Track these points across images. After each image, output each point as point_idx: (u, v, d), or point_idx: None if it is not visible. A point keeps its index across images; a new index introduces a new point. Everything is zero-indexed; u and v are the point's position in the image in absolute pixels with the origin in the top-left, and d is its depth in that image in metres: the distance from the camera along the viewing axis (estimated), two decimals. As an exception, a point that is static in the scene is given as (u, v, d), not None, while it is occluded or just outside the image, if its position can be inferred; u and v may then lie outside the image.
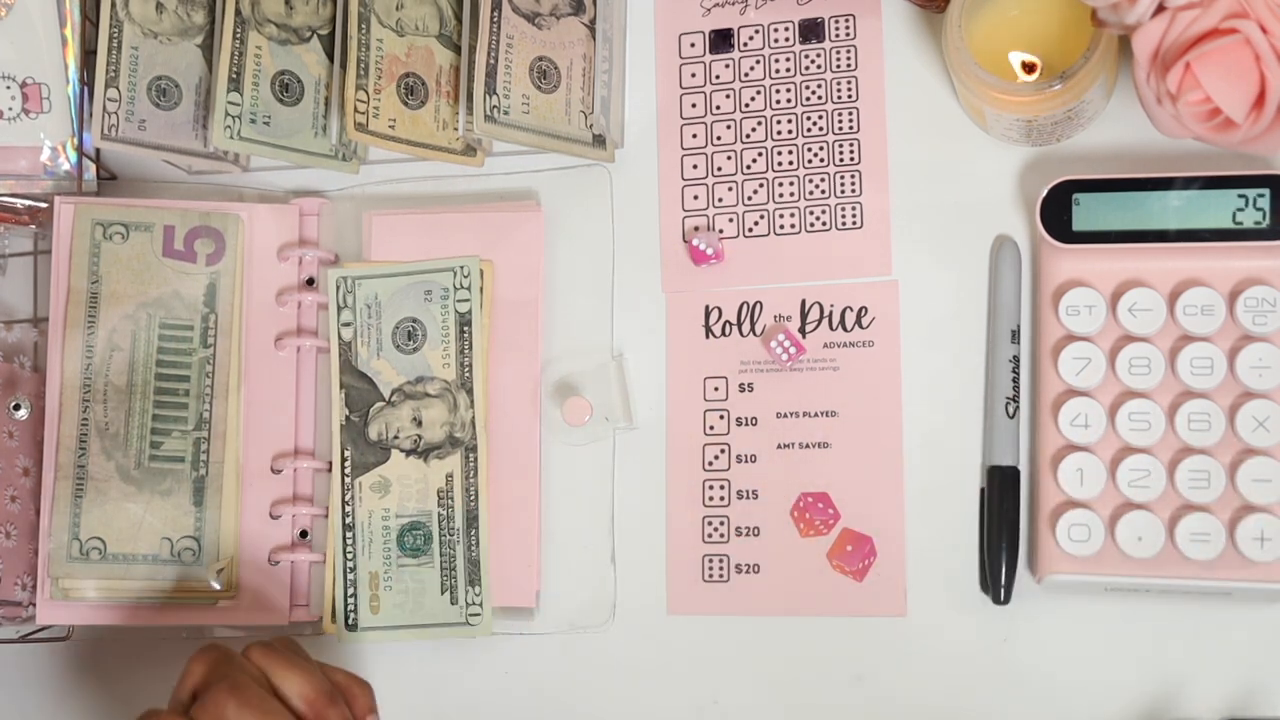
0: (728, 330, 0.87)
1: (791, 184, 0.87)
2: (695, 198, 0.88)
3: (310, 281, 0.91)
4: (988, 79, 0.77)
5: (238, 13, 0.88)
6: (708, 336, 0.87)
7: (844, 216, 0.86)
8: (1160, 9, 0.68)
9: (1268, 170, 0.76)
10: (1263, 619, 0.78)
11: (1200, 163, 0.80)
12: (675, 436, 0.87)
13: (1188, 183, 0.76)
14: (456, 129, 0.89)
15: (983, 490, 0.82)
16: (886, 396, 0.84)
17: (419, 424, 0.87)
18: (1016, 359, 0.81)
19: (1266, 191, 0.75)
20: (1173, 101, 0.69)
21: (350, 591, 0.86)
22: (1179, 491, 0.76)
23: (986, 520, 0.81)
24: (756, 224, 0.87)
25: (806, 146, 0.87)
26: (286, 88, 0.89)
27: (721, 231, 0.88)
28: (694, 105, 0.89)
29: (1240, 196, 0.75)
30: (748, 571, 0.85)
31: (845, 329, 0.85)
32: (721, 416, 0.87)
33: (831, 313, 0.85)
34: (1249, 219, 0.75)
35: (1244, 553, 0.75)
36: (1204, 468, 0.76)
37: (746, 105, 0.88)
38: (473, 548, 0.86)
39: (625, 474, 0.88)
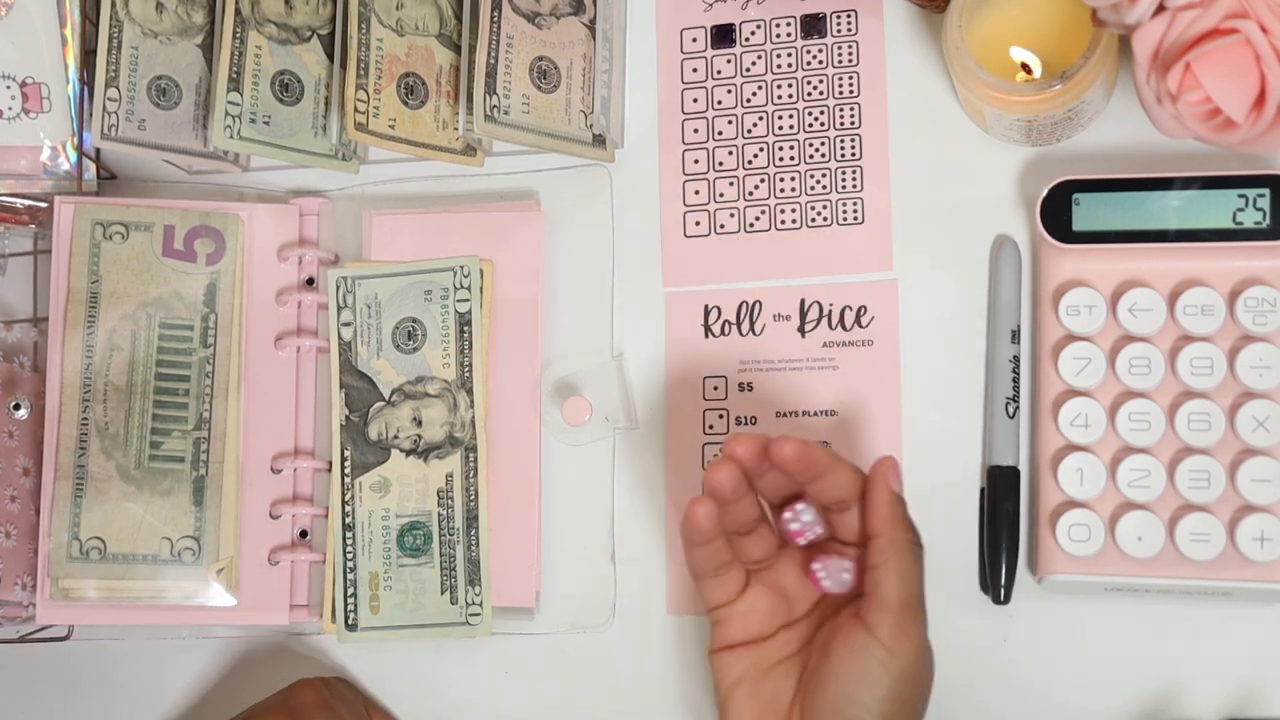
0: (727, 330, 0.87)
1: (793, 179, 0.87)
2: (696, 192, 0.88)
3: (310, 281, 0.91)
4: (988, 79, 0.77)
5: (238, 12, 0.87)
6: (707, 336, 0.87)
7: (845, 212, 0.86)
8: (1160, 9, 0.68)
9: (1268, 170, 0.75)
10: (1263, 619, 0.78)
11: (1200, 163, 0.80)
12: (675, 436, 0.87)
13: (1188, 183, 0.76)
14: (456, 129, 0.89)
15: (983, 490, 0.82)
16: (886, 396, 0.84)
17: (419, 424, 0.87)
18: (1016, 359, 0.81)
19: (1266, 191, 0.75)
20: (1173, 101, 0.69)
21: (350, 591, 0.86)
22: (1179, 491, 0.76)
23: (986, 520, 0.81)
24: (758, 219, 0.87)
25: (808, 142, 0.87)
26: (286, 87, 0.89)
27: (723, 226, 0.88)
28: (695, 100, 0.89)
29: (1240, 196, 0.75)
30: (748, 571, 0.85)
31: (845, 328, 0.85)
32: (721, 416, 0.87)
33: (831, 312, 0.85)
34: (1249, 219, 0.75)
35: (1244, 553, 0.75)
36: (1204, 468, 0.76)
37: (748, 100, 0.88)
38: (473, 548, 0.86)
39: (625, 474, 0.88)
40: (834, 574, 0.73)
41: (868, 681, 0.69)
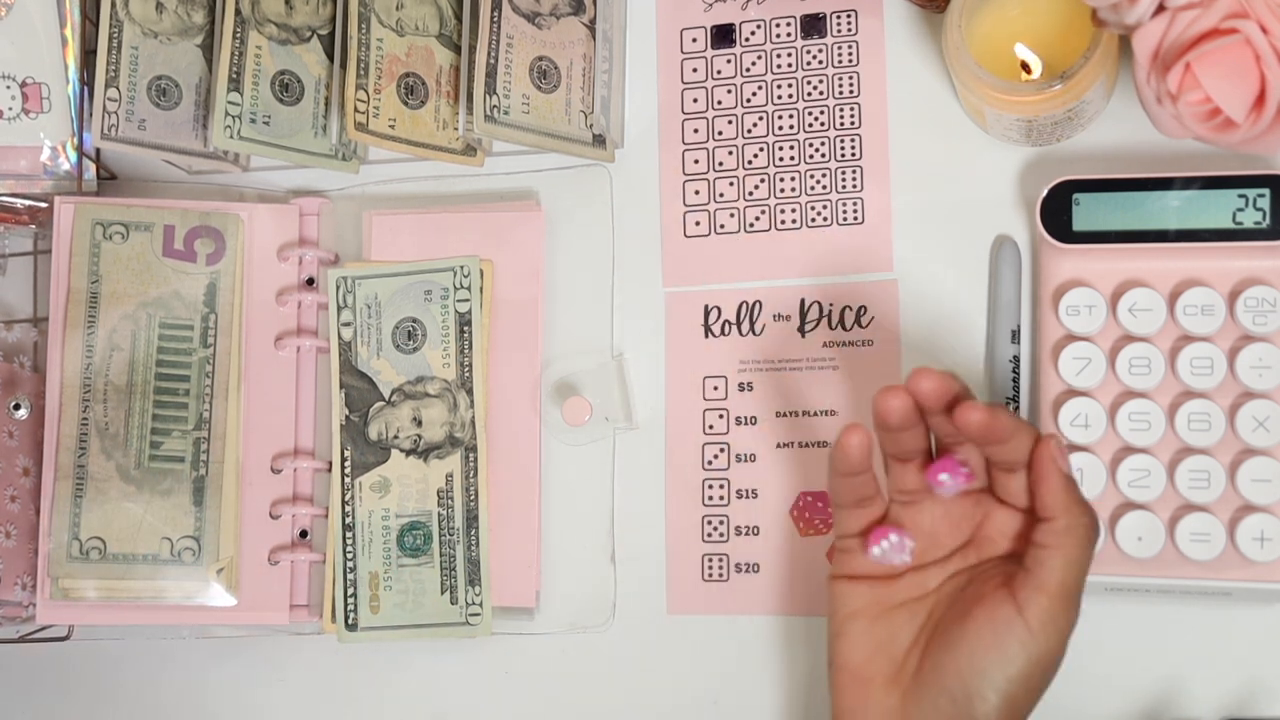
0: (727, 330, 0.87)
1: (793, 179, 0.87)
2: (696, 192, 0.88)
3: (310, 281, 0.91)
4: (988, 79, 0.77)
5: (238, 12, 0.87)
6: (707, 336, 0.87)
7: (845, 212, 0.86)
8: (1160, 9, 0.68)
9: (1268, 170, 0.75)
10: (1263, 619, 0.78)
11: (1200, 163, 0.80)
12: (675, 436, 0.87)
13: (1188, 183, 0.76)
14: (456, 129, 0.89)
15: (983, 490, 0.82)
16: (886, 396, 0.84)
17: (419, 424, 0.87)
18: (1016, 359, 0.81)
19: (1266, 191, 0.75)
20: (1173, 101, 0.69)
21: (350, 591, 0.86)
22: (1179, 491, 0.76)
23: (986, 520, 0.81)
24: (758, 219, 0.87)
25: (808, 142, 0.87)
26: (286, 87, 0.89)
27: (723, 226, 0.88)
28: (695, 100, 0.89)
29: (1240, 196, 0.75)
30: (747, 571, 0.85)
31: (845, 328, 0.85)
32: (721, 416, 0.87)
33: (831, 312, 0.85)
34: (1249, 219, 0.75)
35: (1244, 553, 0.75)
36: (1204, 468, 0.76)
37: (748, 100, 0.88)
38: (473, 548, 0.86)
39: (625, 474, 0.88)
40: (895, 551, 0.71)
41: (1003, 659, 0.67)
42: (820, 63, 0.87)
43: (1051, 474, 0.68)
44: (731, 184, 0.88)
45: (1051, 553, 0.67)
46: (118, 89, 0.88)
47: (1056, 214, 0.77)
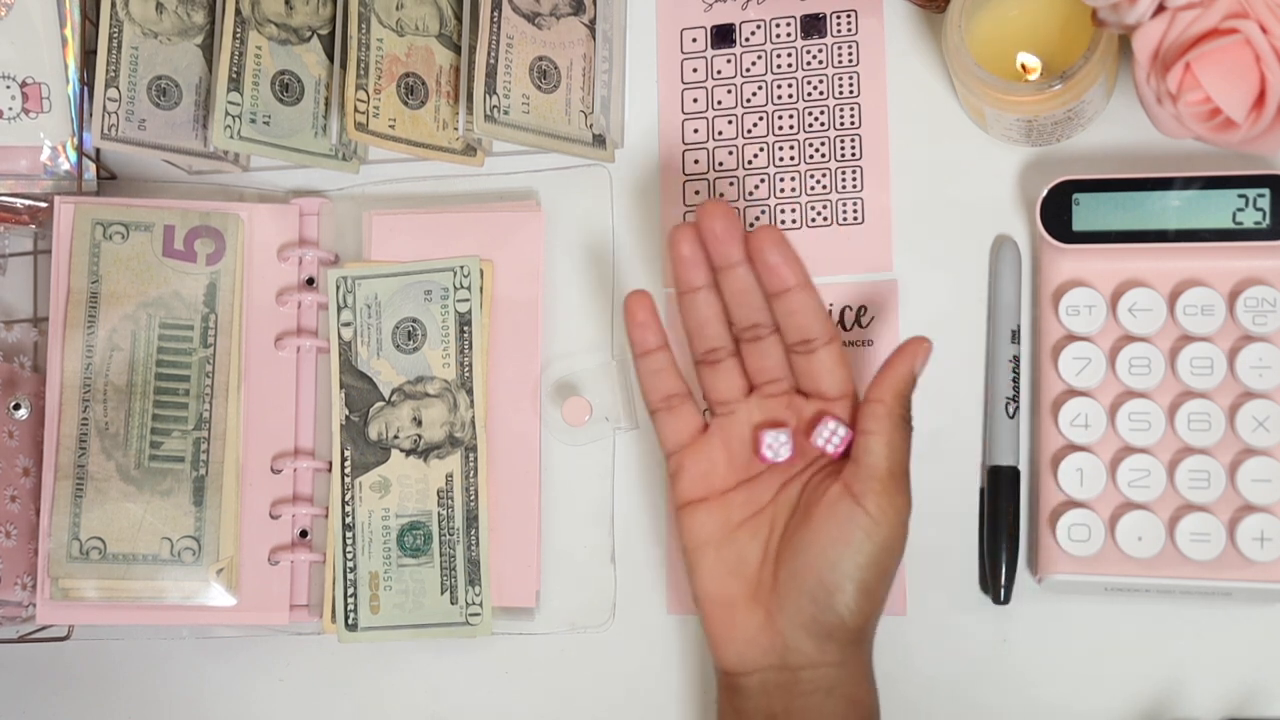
0: (727, 330, 0.87)
1: (793, 179, 0.87)
2: (696, 192, 0.88)
3: (310, 281, 0.91)
4: (988, 79, 0.77)
5: (238, 13, 0.87)
6: (707, 336, 0.87)
7: (845, 212, 0.86)
8: (1160, 9, 0.68)
9: (1268, 170, 0.75)
10: (1263, 619, 0.78)
11: (1200, 163, 0.80)
12: (675, 436, 0.87)
13: (1188, 183, 0.76)
14: (456, 129, 0.89)
15: (983, 490, 0.82)
16: (886, 396, 0.84)
17: (419, 424, 0.87)
18: (1016, 359, 0.81)
19: (1266, 191, 0.75)
20: (1173, 101, 0.69)
21: (350, 591, 0.86)
22: (1179, 491, 0.76)
23: (986, 520, 0.81)
24: (758, 219, 0.87)
25: (808, 142, 0.87)
26: (286, 88, 0.89)
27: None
28: (695, 100, 0.89)
29: (1240, 196, 0.75)
30: (748, 571, 0.85)
31: (845, 328, 0.85)
32: (721, 416, 0.87)
33: (830, 312, 0.85)
34: (1249, 219, 0.75)
35: (1244, 553, 0.75)
36: (1204, 468, 0.76)
37: (748, 100, 0.88)
38: (473, 547, 0.86)
39: (625, 474, 0.88)
40: (776, 446, 0.75)
41: (851, 549, 0.71)
42: (820, 63, 0.87)
43: (904, 363, 0.73)
44: (731, 184, 0.88)
45: (876, 438, 0.72)
46: (118, 89, 0.88)
47: (1056, 214, 0.77)
